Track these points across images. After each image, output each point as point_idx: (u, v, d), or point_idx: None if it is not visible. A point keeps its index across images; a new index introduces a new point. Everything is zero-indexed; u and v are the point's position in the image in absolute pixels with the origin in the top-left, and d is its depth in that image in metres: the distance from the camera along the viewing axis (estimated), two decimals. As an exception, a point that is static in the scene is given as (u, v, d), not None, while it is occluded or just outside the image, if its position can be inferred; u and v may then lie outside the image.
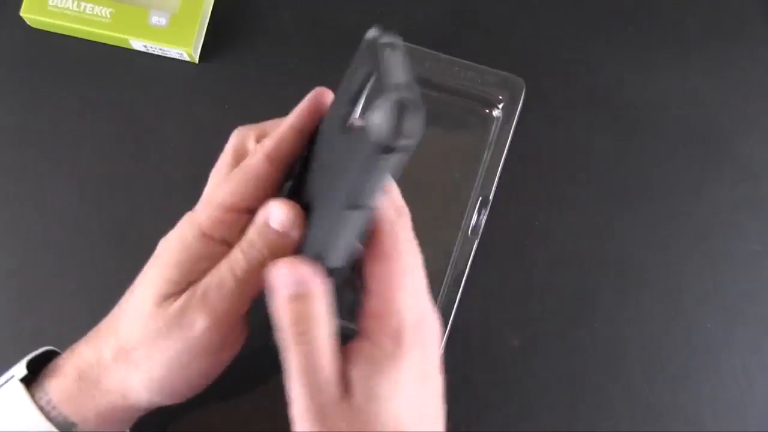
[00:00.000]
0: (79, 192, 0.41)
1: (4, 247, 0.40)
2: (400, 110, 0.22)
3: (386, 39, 0.26)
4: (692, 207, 0.41)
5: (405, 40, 0.43)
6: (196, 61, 0.42)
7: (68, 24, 0.41)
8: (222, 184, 0.30)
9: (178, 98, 0.42)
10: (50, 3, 0.40)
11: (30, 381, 0.30)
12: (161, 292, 0.29)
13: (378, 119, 0.22)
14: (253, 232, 0.29)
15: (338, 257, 0.27)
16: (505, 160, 0.40)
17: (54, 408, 0.30)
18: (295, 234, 0.28)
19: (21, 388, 0.30)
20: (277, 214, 0.28)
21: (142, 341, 0.29)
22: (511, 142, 0.40)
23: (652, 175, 0.41)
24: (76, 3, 0.40)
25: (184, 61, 0.42)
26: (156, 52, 0.42)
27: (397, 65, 0.24)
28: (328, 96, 0.31)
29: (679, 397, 0.38)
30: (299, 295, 0.26)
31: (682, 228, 0.41)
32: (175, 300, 0.29)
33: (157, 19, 0.40)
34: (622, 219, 0.41)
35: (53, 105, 0.42)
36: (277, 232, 0.28)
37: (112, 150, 0.41)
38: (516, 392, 0.38)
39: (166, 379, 0.29)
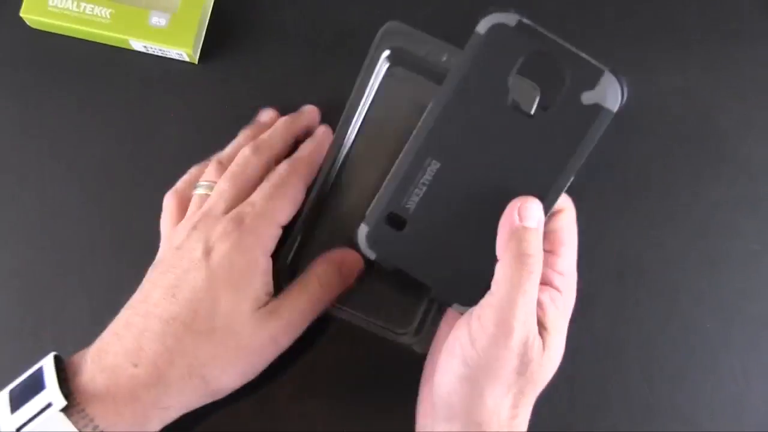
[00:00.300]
0: (80, 192, 0.41)
1: (4, 247, 0.40)
2: (621, 81, 0.31)
3: (519, 19, 0.32)
4: (690, 206, 0.41)
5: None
6: (196, 62, 0.42)
7: (68, 24, 0.41)
8: (275, 199, 0.34)
9: (179, 98, 0.42)
10: (50, 3, 0.40)
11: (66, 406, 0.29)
12: (239, 310, 0.32)
13: (612, 93, 0.31)
14: (334, 275, 0.35)
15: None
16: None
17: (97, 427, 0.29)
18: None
19: (65, 422, 0.28)
20: (351, 261, 0.36)
21: (220, 357, 0.31)
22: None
23: (650, 174, 0.41)
24: (75, 3, 0.40)
25: (184, 61, 0.42)
26: (156, 53, 0.42)
27: (565, 44, 0.31)
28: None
29: (678, 397, 0.39)
30: (536, 229, 0.31)
31: (680, 227, 0.41)
32: (251, 317, 0.32)
33: (157, 20, 0.40)
34: (621, 218, 0.41)
35: (53, 105, 0.42)
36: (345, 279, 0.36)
37: (113, 150, 0.41)
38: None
39: (231, 386, 0.33)
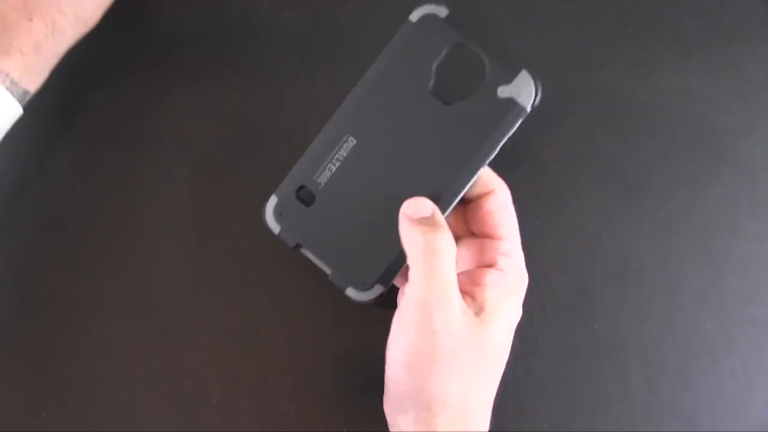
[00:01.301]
0: (80, 193, 0.41)
1: (4, 249, 0.40)
2: (536, 80, 0.32)
3: (449, 13, 0.33)
4: (691, 206, 0.41)
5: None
6: (196, 62, 0.42)
7: None
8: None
9: (179, 99, 0.42)
10: None
11: None
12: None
13: (526, 90, 0.32)
14: None
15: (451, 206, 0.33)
16: (505, 160, 0.40)
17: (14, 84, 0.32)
18: None
19: None
20: None
21: None
22: (510, 142, 0.40)
23: (651, 174, 0.41)
24: None
25: (184, 61, 0.42)
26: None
27: (488, 40, 0.33)
28: None
29: (678, 397, 0.39)
30: (426, 219, 0.31)
31: (680, 227, 0.41)
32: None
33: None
34: (621, 218, 0.41)
35: (53, 103, 0.42)
36: None
37: (113, 150, 0.42)
38: (516, 392, 0.38)
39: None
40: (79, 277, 0.40)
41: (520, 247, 0.34)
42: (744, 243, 0.40)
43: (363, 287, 0.34)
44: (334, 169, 0.34)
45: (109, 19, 0.43)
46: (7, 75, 0.32)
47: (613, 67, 0.42)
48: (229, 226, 0.40)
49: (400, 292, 0.37)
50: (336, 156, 0.34)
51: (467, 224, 0.35)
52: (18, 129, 0.39)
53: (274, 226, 0.35)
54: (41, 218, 0.41)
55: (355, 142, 0.34)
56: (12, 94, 0.32)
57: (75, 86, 0.42)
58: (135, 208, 0.40)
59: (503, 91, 0.32)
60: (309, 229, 0.34)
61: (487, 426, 0.33)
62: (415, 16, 0.33)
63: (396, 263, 0.34)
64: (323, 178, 0.34)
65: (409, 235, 0.31)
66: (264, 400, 0.38)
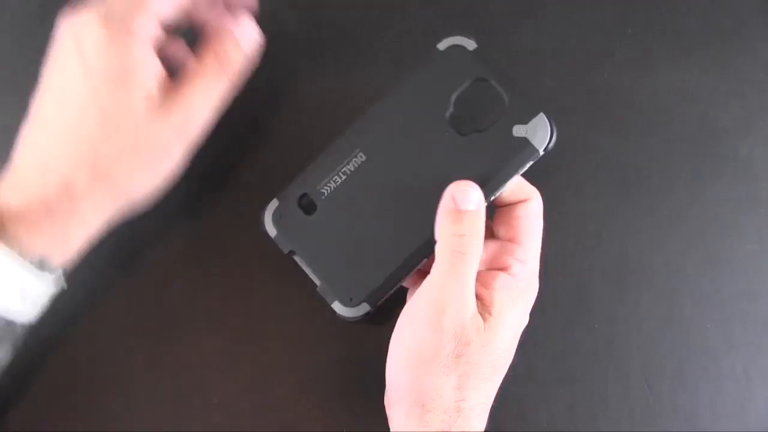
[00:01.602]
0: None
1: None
2: (552, 124, 0.33)
3: (477, 47, 0.34)
4: (691, 206, 0.41)
5: (405, 41, 0.44)
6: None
7: None
8: None
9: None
10: None
11: None
12: (146, 103, 0.31)
13: (541, 133, 0.33)
14: (232, 48, 0.34)
15: None
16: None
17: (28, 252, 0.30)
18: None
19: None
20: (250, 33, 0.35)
21: (128, 154, 0.31)
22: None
23: (651, 174, 0.41)
24: None
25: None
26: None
27: (511, 78, 0.33)
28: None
29: (678, 397, 0.39)
30: (468, 214, 0.31)
31: (680, 227, 0.41)
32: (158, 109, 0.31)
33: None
34: (621, 218, 0.41)
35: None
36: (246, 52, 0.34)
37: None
38: (516, 392, 0.38)
39: (146, 186, 0.32)
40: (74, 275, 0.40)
41: (537, 257, 0.34)
42: (744, 243, 0.40)
43: (350, 303, 0.34)
44: (340, 181, 0.34)
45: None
46: (17, 239, 0.29)
47: (613, 67, 0.42)
48: (229, 225, 0.40)
49: (409, 292, 0.37)
50: (344, 169, 0.34)
51: (494, 225, 0.35)
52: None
53: (272, 230, 0.35)
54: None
55: (364, 158, 0.34)
56: (24, 258, 0.29)
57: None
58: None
59: (518, 131, 0.33)
60: (305, 238, 0.35)
61: (482, 427, 0.33)
62: (443, 45, 0.34)
63: (386, 285, 0.34)
64: (327, 189, 0.34)
65: (445, 228, 0.31)
66: (264, 400, 0.38)
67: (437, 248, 0.31)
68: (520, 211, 0.34)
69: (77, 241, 0.31)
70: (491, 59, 0.34)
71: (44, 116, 0.31)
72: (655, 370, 0.39)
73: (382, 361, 0.37)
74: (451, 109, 0.33)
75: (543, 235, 0.34)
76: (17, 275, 0.29)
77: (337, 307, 0.35)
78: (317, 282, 0.35)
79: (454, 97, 0.33)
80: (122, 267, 0.40)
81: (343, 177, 0.34)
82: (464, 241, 0.31)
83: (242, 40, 0.33)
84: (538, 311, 0.38)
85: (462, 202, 0.31)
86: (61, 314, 0.39)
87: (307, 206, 0.34)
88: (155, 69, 0.31)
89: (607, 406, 0.38)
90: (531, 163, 0.33)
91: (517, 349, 0.34)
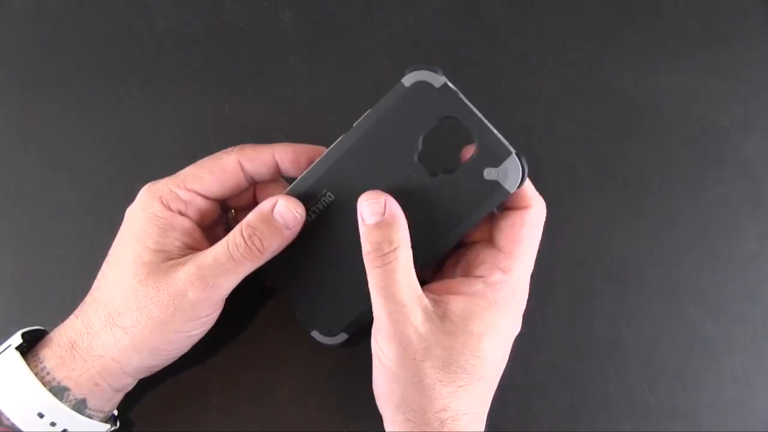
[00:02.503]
0: (79, 191, 0.41)
1: (4, 248, 0.40)
2: (523, 167, 0.32)
3: (444, 82, 0.32)
4: (691, 207, 0.41)
5: (404, 41, 0.44)
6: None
7: None
8: (191, 167, 0.34)
9: (178, 100, 0.42)
10: None
11: (25, 351, 0.32)
12: (144, 260, 0.32)
13: (513, 175, 0.32)
14: (256, 219, 0.32)
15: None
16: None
17: (48, 374, 0.32)
18: (296, 230, 0.33)
19: (17, 356, 0.32)
20: (283, 209, 0.33)
21: (129, 305, 0.32)
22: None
23: (651, 174, 0.41)
24: None
25: (185, 61, 0.42)
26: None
27: (480, 117, 0.32)
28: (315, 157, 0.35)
29: (679, 397, 0.39)
30: (384, 222, 0.31)
31: (681, 228, 0.41)
32: (158, 267, 0.32)
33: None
34: (621, 219, 0.41)
35: (53, 105, 0.42)
36: (281, 226, 0.33)
37: (113, 150, 0.42)
38: (516, 392, 0.38)
39: (154, 341, 0.32)
40: (72, 277, 0.40)
41: (527, 265, 0.34)
42: (744, 243, 0.40)
43: (329, 333, 0.35)
44: (310, 220, 0.34)
45: (108, 19, 0.43)
46: (41, 361, 0.32)
47: (613, 67, 0.42)
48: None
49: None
50: (313, 208, 0.34)
51: (491, 231, 0.35)
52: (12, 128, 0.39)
53: None
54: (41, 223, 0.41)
55: (333, 198, 0.34)
56: (44, 384, 0.31)
57: (75, 85, 0.42)
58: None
59: (490, 173, 0.32)
60: (281, 271, 0.35)
61: None
62: (408, 81, 0.32)
63: (362, 317, 0.35)
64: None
65: (363, 248, 0.31)
66: (264, 401, 0.38)
67: (369, 281, 0.32)
68: (517, 219, 0.33)
69: (93, 374, 0.32)
70: (459, 97, 0.32)
71: (103, 273, 0.34)
72: (655, 370, 0.39)
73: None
74: (419, 148, 0.32)
75: (543, 235, 0.34)
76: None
77: (317, 335, 0.36)
78: (295, 312, 0.36)
79: (422, 136, 0.32)
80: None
81: (314, 216, 0.34)
82: (374, 256, 0.31)
83: (276, 214, 0.33)
84: (538, 312, 0.38)
85: (367, 216, 0.31)
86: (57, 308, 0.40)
87: None
88: (175, 232, 0.33)
89: (607, 406, 0.38)
90: (501, 201, 0.33)
91: (516, 350, 0.34)
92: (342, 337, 0.36)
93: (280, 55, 0.43)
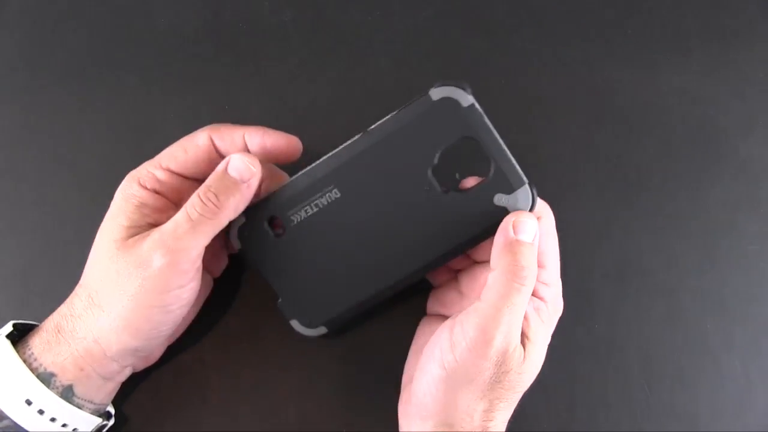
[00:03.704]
0: (80, 192, 0.41)
1: (4, 248, 0.40)
2: (534, 196, 0.32)
3: (472, 103, 0.32)
4: (691, 206, 0.41)
5: (404, 41, 0.44)
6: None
7: None
8: (168, 147, 0.35)
9: (179, 99, 0.42)
10: None
11: (16, 341, 0.33)
12: (115, 237, 0.32)
13: (522, 205, 0.32)
14: (212, 178, 0.33)
15: None
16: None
17: (35, 360, 0.32)
18: (253, 183, 0.33)
19: (5, 342, 0.32)
20: (237, 162, 0.33)
21: (104, 283, 0.32)
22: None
23: (651, 174, 0.41)
24: None
25: (185, 61, 0.42)
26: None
27: (500, 142, 0.32)
28: (294, 149, 0.35)
29: (678, 397, 0.39)
30: (532, 244, 0.31)
31: (680, 227, 0.41)
32: (126, 242, 0.32)
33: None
34: (621, 219, 0.41)
35: (53, 105, 0.42)
36: (235, 180, 0.33)
37: (113, 150, 0.42)
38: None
39: (131, 317, 0.32)
40: (72, 276, 0.40)
41: (559, 275, 0.34)
42: (744, 243, 0.40)
43: (308, 324, 0.35)
44: (311, 212, 0.34)
45: (108, 19, 0.43)
46: (29, 348, 0.32)
47: (613, 67, 0.42)
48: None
49: (431, 298, 0.37)
50: (316, 201, 0.34)
51: None
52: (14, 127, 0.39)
53: (236, 243, 0.35)
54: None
55: (338, 195, 0.33)
56: (32, 370, 0.32)
57: (75, 85, 0.42)
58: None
59: (500, 200, 0.32)
60: (270, 257, 0.35)
61: None
62: (436, 95, 0.32)
63: (345, 315, 0.35)
64: (297, 217, 0.34)
65: (503, 257, 0.31)
66: (264, 400, 0.38)
67: (492, 275, 0.31)
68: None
69: (78, 356, 0.33)
70: (483, 119, 0.32)
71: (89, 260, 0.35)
72: (655, 370, 0.39)
73: (381, 362, 0.37)
74: (435, 162, 0.33)
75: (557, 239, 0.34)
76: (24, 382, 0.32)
77: (295, 324, 0.36)
78: (279, 297, 0.36)
79: (439, 152, 0.32)
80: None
81: (315, 209, 0.34)
82: (524, 273, 0.30)
83: (230, 169, 0.33)
84: (538, 311, 0.38)
85: (523, 232, 0.31)
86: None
87: (276, 228, 0.35)
88: (145, 209, 0.34)
89: (607, 406, 0.38)
90: None
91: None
92: (321, 330, 0.36)
93: (280, 55, 0.43)
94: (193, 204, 0.32)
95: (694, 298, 0.40)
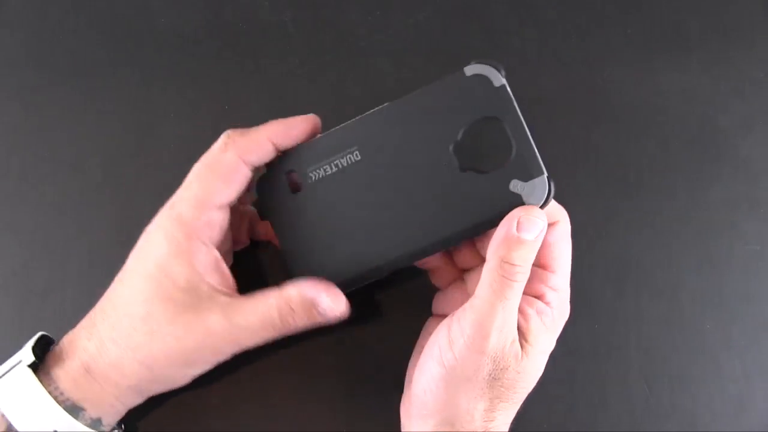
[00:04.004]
0: (80, 192, 0.41)
1: (4, 248, 0.40)
2: (551, 187, 0.31)
3: (503, 84, 0.32)
4: (691, 206, 0.41)
5: (404, 41, 0.44)
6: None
7: None
8: (198, 182, 0.32)
9: (179, 99, 0.42)
10: None
11: (35, 367, 0.32)
12: (173, 297, 0.31)
13: (537, 195, 0.31)
14: (298, 303, 0.32)
15: None
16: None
17: (62, 394, 0.31)
18: (327, 321, 0.33)
19: (30, 374, 0.31)
20: (327, 308, 0.32)
21: (155, 343, 0.31)
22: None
23: (651, 174, 0.41)
24: None
25: (186, 62, 0.42)
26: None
27: (525, 129, 0.32)
28: (317, 127, 0.34)
29: (678, 397, 0.39)
30: (535, 244, 0.31)
31: (680, 227, 0.41)
32: (186, 309, 0.31)
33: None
34: (621, 218, 0.41)
35: (53, 105, 0.42)
36: (319, 320, 0.33)
37: (113, 150, 0.42)
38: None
39: (174, 375, 0.33)
40: (72, 276, 0.40)
41: (569, 281, 0.34)
42: (744, 243, 0.40)
43: None
44: (330, 172, 0.34)
45: (109, 18, 0.43)
46: (54, 381, 0.32)
47: (613, 67, 0.42)
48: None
49: (436, 299, 0.37)
50: (336, 161, 0.34)
51: None
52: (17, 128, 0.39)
53: (253, 192, 0.35)
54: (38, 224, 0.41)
55: (359, 158, 0.33)
56: (59, 403, 0.31)
57: (75, 85, 0.42)
58: (135, 208, 0.40)
59: (515, 186, 0.32)
60: (284, 211, 0.34)
61: None
62: (470, 71, 0.32)
63: (351, 283, 0.34)
64: (316, 174, 0.34)
65: (500, 252, 0.30)
66: (264, 401, 0.38)
67: (486, 269, 0.31)
68: (551, 236, 0.33)
69: (109, 398, 0.32)
70: (512, 102, 0.32)
71: (119, 298, 0.33)
72: (655, 370, 0.39)
73: (381, 362, 0.37)
74: (458, 138, 0.33)
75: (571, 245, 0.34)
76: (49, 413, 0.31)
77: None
78: (284, 255, 0.35)
79: (464, 127, 0.32)
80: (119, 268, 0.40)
81: (334, 169, 0.34)
82: (516, 270, 0.30)
83: (326, 310, 0.33)
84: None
85: (527, 231, 0.30)
86: (58, 307, 0.39)
87: (293, 183, 0.34)
88: (208, 266, 0.32)
89: (607, 406, 0.38)
90: None
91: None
92: None
93: (280, 55, 0.43)
94: (273, 322, 0.32)
95: (694, 297, 0.40)
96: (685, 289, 0.40)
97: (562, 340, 0.39)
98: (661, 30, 0.43)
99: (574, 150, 0.41)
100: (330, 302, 0.32)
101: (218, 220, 0.33)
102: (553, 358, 0.39)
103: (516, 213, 0.31)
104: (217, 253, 0.33)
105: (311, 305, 0.32)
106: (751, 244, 0.40)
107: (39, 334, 0.34)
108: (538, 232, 0.31)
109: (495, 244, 0.31)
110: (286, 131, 0.33)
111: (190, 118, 0.42)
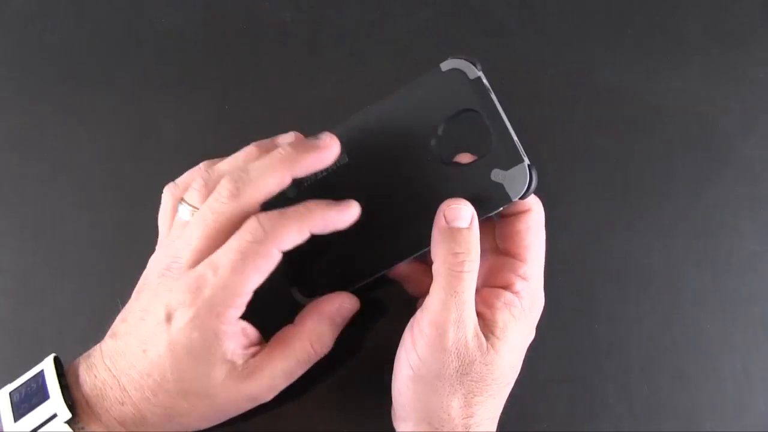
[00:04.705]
0: (79, 191, 0.41)
1: (4, 248, 0.40)
2: (531, 176, 0.31)
3: (479, 76, 0.32)
4: (691, 207, 0.41)
5: (404, 41, 0.44)
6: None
7: None
8: (233, 275, 0.30)
9: (179, 99, 0.42)
10: None
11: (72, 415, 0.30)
12: (226, 373, 0.31)
13: (518, 183, 0.31)
14: (327, 332, 0.33)
15: None
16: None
17: None
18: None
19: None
20: (348, 312, 0.34)
21: (194, 410, 0.31)
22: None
23: (651, 175, 0.41)
24: None
25: (186, 62, 0.42)
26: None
27: (504, 118, 0.32)
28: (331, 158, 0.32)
29: (678, 397, 0.39)
30: (473, 231, 0.31)
31: (681, 228, 0.41)
32: (228, 380, 0.31)
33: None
34: (622, 219, 0.41)
35: (53, 105, 0.42)
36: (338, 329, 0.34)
37: (113, 151, 0.42)
38: (516, 392, 0.38)
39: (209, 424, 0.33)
40: (72, 277, 0.40)
41: (541, 270, 0.34)
42: (744, 243, 0.40)
43: (308, 295, 0.35)
44: (321, 176, 0.34)
45: (109, 18, 0.43)
46: (83, 427, 0.30)
47: (613, 67, 0.42)
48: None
49: (419, 302, 0.37)
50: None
51: (495, 239, 0.35)
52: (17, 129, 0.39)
53: None
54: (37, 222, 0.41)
55: (347, 160, 0.34)
56: None
57: (75, 85, 0.42)
58: (134, 208, 0.40)
59: (497, 175, 0.32)
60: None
61: None
62: (445, 66, 0.33)
63: (349, 287, 0.34)
64: (308, 179, 0.34)
65: (439, 246, 0.31)
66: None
67: (434, 267, 0.31)
68: (522, 225, 0.33)
69: None
70: (488, 94, 0.32)
71: (131, 341, 0.31)
72: (655, 370, 0.39)
73: (381, 362, 0.37)
74: (439, 134, 0.33)
75: (545, 234, 0.34)
76: None
77: (295, 292, 0.35)
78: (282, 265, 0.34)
79: (443, 122, 0.33)
80: (119, 268, 0.40)
81: (324, 173, 0.34)
82: (459, 259, 0.30)
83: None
84: (538, 311, 0.38)
85: (453, 219, 0.31)
86: (58, 309, 0.39)
87: (289, 190, 0.34)
88: (239, 339, 0.31)
89: (607, 406, 0.38)
90: (502, 207, 0.32)
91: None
92: None
93: (280, 55, 0.43)
94: (298, 359, 0.33)
95: (694, 298, 0.40)
96: (685, 289, 0.40)
97: (562, 340, 0.39)
98: (661, 31, 0.43)
99: (573, 150, 0.41)
100: (348, 314, 0.34)
101: (247, 301, 0.31)
102: (553, 358, 0.39)
103: (441, 207, 0.31)
104: (242, 323, 0.31)
105: (333, 326, 0.34)
106: (751, 244, 0.40)
107: (51, 359, 0.32)
108: (470, 218, 0.31)
109: (434, 243, 0.31)
110: (324, 226, 0.32)
111: (190, 118, 0.42)
